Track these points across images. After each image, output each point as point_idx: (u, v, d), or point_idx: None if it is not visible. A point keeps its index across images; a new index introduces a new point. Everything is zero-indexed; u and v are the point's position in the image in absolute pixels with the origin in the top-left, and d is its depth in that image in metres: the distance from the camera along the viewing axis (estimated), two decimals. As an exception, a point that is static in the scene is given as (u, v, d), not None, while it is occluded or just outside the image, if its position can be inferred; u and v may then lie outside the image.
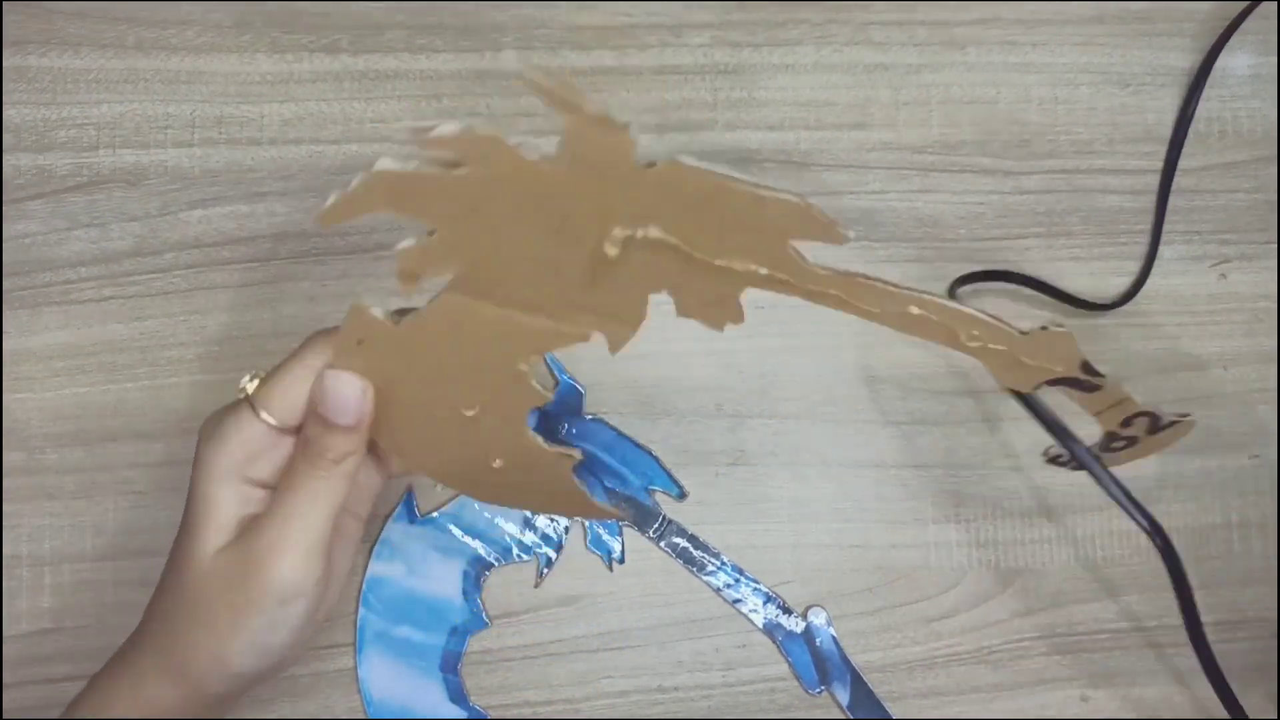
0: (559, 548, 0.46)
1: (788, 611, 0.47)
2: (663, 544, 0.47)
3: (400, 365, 0.35)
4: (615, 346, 0.35)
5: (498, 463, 0.38)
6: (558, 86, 0.28)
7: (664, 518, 0.47)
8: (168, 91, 0.48)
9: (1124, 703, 0.48)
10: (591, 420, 0.47)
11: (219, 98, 0.48)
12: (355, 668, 0.45)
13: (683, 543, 0.47)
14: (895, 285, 0.34)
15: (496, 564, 0.46)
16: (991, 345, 0.35)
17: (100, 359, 0.47)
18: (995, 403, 0.49)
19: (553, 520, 0.46)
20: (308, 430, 0.34)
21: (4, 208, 0.47)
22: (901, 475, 0.49)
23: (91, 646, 0.45)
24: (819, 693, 0.46)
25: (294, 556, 0.33)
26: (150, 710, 0.34)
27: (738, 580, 0.47)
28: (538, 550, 0.46)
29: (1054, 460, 0.46)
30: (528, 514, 0.46)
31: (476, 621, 0.46)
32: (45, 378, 0.46)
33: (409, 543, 0.46)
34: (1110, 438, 0.42)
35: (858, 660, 0.47)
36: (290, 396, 0.34)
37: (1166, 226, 0.51)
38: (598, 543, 0.47)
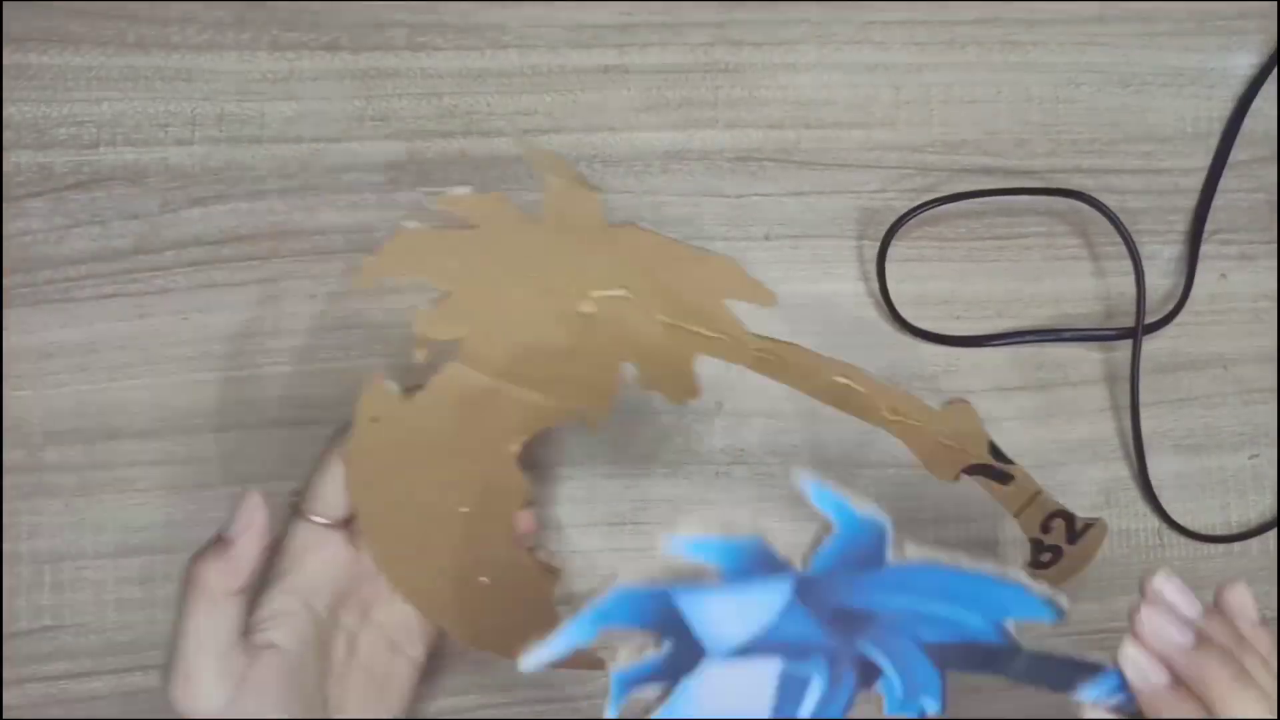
0: None
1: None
2: (1013, 678, 0.32)
3: (406, 445, 0.37)
4: (594, 425, 0.37)
5: (484, 579, 0.38)
6: (541, 154, 0.33)
7: (1022, 652, 0.32)
8: (168, 89, 0.48)
9: (1123, 702, 0.48)
10: (914, 567, 0.29)
11: (220, 95, 0.48)
12: None
13: (1051, 669, 0.32)
14: (826, 357, 0.37)
15: None
16: (910, 420, 0.38)
17: (101, 357, 0.46)
18: (994, 402, 0.49)
19: (824, 704, 0.30)
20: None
21: (4, 205, 0.47)
22: (901, 475, 0.49)
23: (91, 645, 0.45)
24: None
25: (177, 681, 0.35)
26: None
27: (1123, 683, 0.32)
28: None
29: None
30: (782, 703, 0.29)
31: None
32: (45, 376, 0.46)
33: None
34: (1037, 549, 0.41)
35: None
36: (328, 495, 0.38)
37: (1165, 226, 0.51)
38: (905, 708, 0.32)
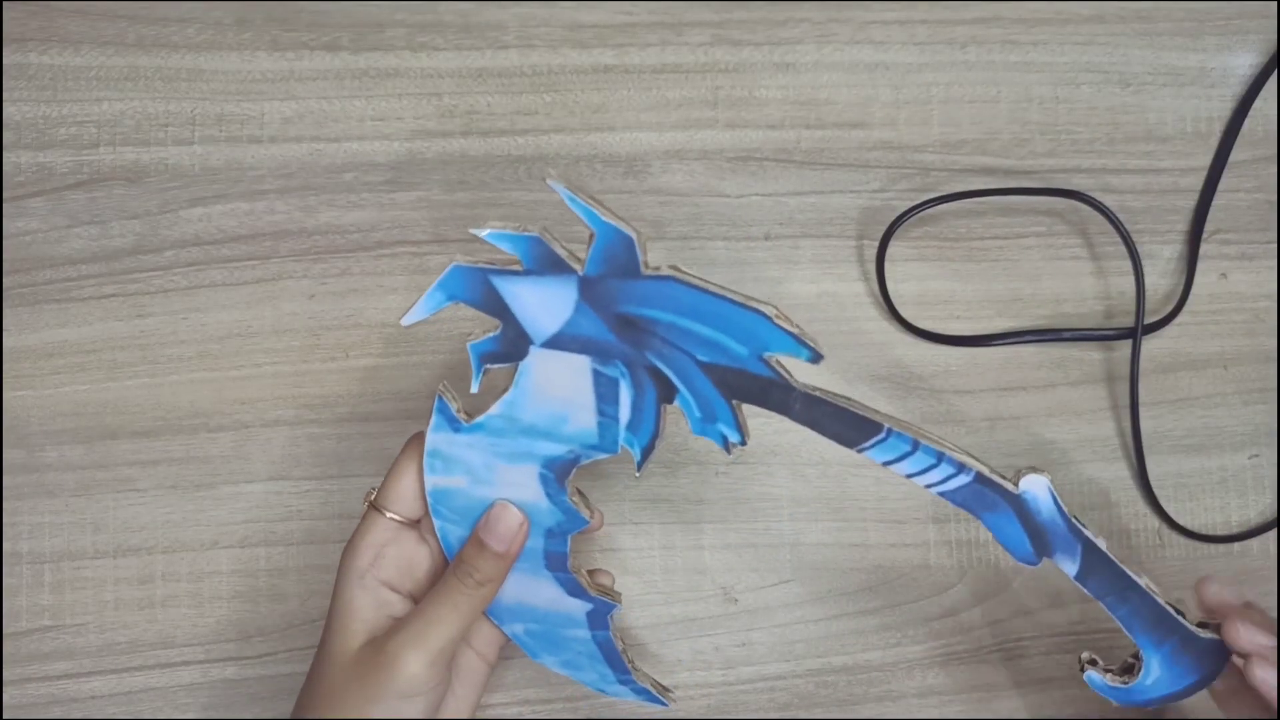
0: (656, 435, 0.38)
1: (989, 481, 0.37)
2: (798, 420, 0.37)
3: None
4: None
5: None
6: (582, 193, 0.33)
7: (794, 390, 0.36)
8: (168, 89, 0.48)
9: (1123, 702, 0.48)
10: (658, 279, 0.34)
11: (219, 95, 0.48)
12: None
13: (826, 415, 0.37)
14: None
15: (579, 459, 0.38)
16: None
17: (100, 356, 0.47)
18: (994, 401, 0.49)
19: (637, 410, 0.37)
20: (464, 550, 0.39)
21: (4, 205, 0.47)
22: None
23: (91, 644, 0.45)
24: (1037, 564, 0.39)
25: (421, 655, 0.36)
26: None
27: (914, 449, 0.37)
28: (630, 444, 0.38)
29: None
30: (602, 403, 0.37)
31: (574, 521, 0.39)
32: (45, 375, 0.46)
33: (462, 452, 0.38)
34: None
35: (858, 659, 0.47)
36: (402, 491, 0.39)
37: (1165, 226, 0.51)
38: (706, 430, 0.38)
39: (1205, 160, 0.52)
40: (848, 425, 0.37)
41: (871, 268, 0.49)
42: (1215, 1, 0.52)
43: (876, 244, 0.49)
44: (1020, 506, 0.37)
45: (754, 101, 0.50)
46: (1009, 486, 0.37)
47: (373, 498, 0.39)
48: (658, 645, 0.47)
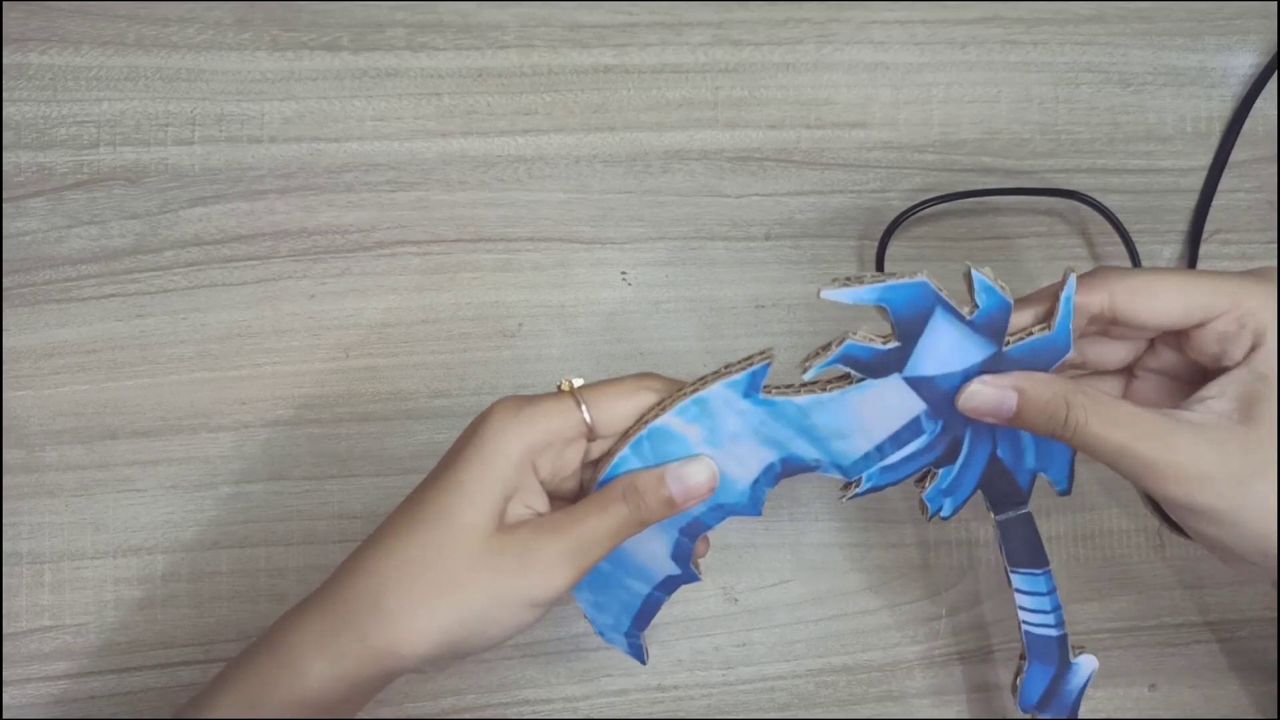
0: (897, 482, 0.38)
1: (1064, 645, 0.41)
2: (997, 525, 0.41)
3: None
4: None
5: None
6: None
7: (1025, 510, 0.40)
8: (168, 89, 0.48)
9: (1124, 700, 0.48)
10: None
11: (219, 95, 0.48)
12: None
13: (1020, 537, 0.41)
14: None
15: (814, 469, 0.38)
16: None
17: (100, 356, 0.46)
18: (995, 402, 0.49)
19: (910, 461, 0.38)
20: (643, 479, 0.35)
21: (4, 205, 0.47)
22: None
23: (91, 644, 0.45)
24: (1029, 714, 0.42)
25: (572, 571, 0.34)
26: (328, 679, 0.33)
27: (1049, 593, 0.41)
28: (870, 479, 0.38)
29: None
30: (890, 441, 0.37)
31: (751, 507, 0.38)
32: (45, 375, 0.46)
33: (727, 413, 0.36)
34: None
35: (858, 659, 0.47)
36: (617, 407, 0.36)
37: (1165, 226, 0.51)
38: (931, 496, 0.39)
39: (1205, 160, 0.52)
40: (1030, 550, 0.40)
41: (871, 267, 0.49)
42: (1215, 1, 0.52)
43: (876, 244, 0.49)
44: (1064, 671, 0.41)
45: (754, 101, 0.50)
46: (1070, 655, 0.41)
47: (575, 387, 0.36)
48: (658, 645, 0.47)
